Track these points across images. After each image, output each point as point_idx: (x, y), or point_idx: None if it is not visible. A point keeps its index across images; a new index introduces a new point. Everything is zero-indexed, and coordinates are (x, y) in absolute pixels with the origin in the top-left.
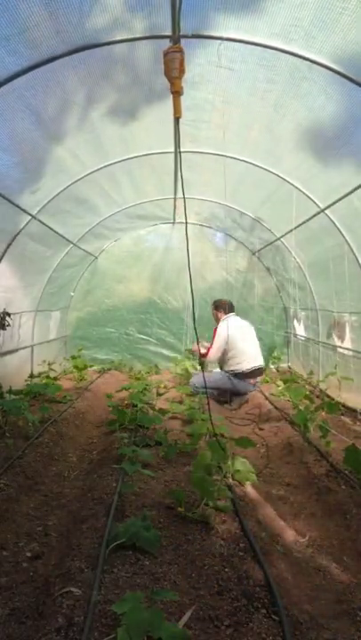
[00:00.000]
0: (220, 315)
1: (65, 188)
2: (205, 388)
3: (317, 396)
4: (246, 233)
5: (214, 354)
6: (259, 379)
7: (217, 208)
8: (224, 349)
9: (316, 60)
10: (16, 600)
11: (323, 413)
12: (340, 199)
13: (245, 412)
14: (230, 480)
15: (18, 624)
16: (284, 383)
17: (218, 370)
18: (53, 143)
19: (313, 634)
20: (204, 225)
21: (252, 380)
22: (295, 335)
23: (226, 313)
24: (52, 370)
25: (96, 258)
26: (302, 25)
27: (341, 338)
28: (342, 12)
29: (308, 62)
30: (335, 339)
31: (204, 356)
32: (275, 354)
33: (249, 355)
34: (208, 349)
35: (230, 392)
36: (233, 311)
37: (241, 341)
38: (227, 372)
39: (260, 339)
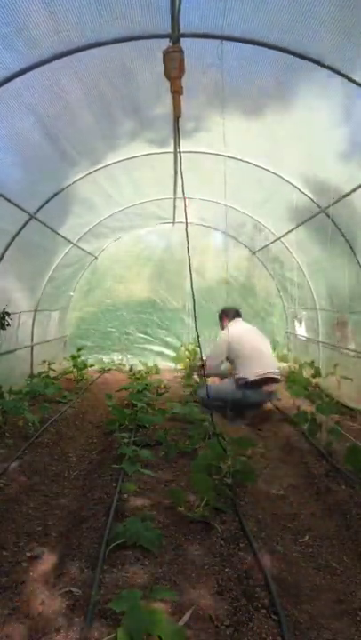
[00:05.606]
0: (225, 323)
1: (64, 188)
2: (206, 398)
3: (318, 396)
4: (246, 233)
5: (212, 361)
6: (275, 386)
7: (217, 208)
8: (228, 357)
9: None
10: (16, 600)
11: (323, 414)
12: (340, 199)
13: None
14: (230, 480)
15: (18, 624)
16: (285, 383)
17: (228, 380)
18: (53, 144)
19: (313, 634)
20: (204, 225)
21: (265, 388)
22: (295, 335)
23: (230, 319)
24: (51, 370)
25: (96, 258)
26: None
27: (341, 337)
28: None
29: None
30: (335, 338)
31: (202, 367)
32: (275, 354)
33: (258, 361)
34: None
35: (243, 405)
36: (239, 317)
37: (247, 346)
38: (236, 380)
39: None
